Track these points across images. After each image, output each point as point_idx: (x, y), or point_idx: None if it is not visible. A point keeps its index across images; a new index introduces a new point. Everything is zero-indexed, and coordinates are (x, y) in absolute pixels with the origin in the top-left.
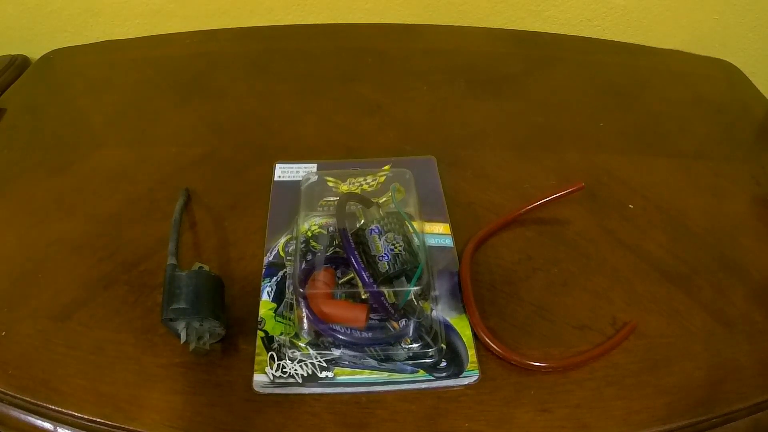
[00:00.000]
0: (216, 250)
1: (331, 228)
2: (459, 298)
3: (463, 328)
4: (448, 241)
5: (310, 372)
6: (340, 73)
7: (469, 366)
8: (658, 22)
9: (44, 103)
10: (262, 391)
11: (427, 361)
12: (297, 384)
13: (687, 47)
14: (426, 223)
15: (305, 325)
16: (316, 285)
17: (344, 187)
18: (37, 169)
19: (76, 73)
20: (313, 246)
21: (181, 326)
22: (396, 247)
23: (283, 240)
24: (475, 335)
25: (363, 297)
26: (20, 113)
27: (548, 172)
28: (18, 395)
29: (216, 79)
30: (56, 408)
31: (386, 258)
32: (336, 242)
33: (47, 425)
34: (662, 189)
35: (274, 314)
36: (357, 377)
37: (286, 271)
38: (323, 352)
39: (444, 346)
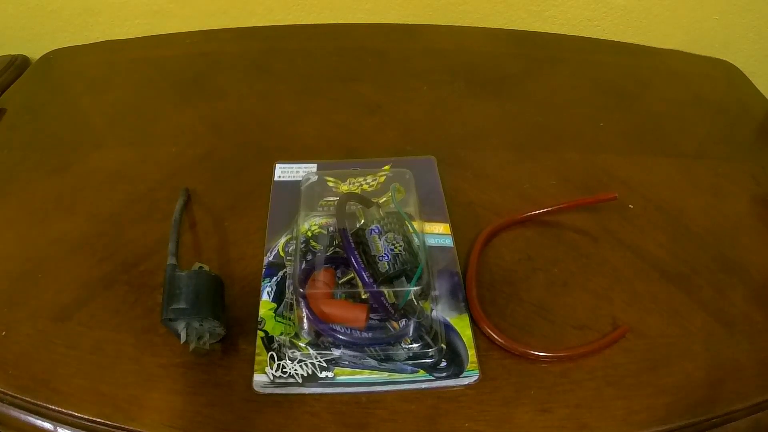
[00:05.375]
0: (216, 250)
1: (331, 228)
2: (459, 297)
3: (463, 328)
4: (448, 241)
5: (310, 372)
6: (340, 73)
7: (469, 366)
8: (658, 22)
9: (44, 103)
10: (262, 391)
11: (427, 361)
12: (297, 384)
13: (687, 47)
14: (426, 223)
15: (305, 325)
16: (316, 285)
17: (344, 187)
18: (37, 169)
19: (76, 73)
20: (313, 246)
21: (181, 326)
22: (396, 247)
23: (283, 240)
24: (475, 323)
25: (363, 297)
26: (20, 113)
27: (548, 172)
28: (18, 395)
29: (216, 79)
30: (56, 408)
31: (386, 258)
32: (336, 242)
33: (47, 425)
34: (662, 189)
35: (274, 314)
36: (357, 377)
37: (286, 271)
38: (323, 352)
39: (444, 346)
